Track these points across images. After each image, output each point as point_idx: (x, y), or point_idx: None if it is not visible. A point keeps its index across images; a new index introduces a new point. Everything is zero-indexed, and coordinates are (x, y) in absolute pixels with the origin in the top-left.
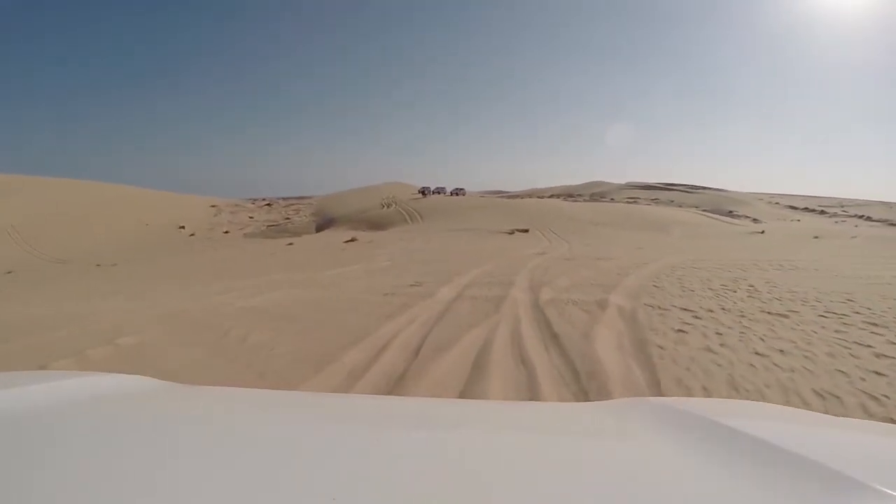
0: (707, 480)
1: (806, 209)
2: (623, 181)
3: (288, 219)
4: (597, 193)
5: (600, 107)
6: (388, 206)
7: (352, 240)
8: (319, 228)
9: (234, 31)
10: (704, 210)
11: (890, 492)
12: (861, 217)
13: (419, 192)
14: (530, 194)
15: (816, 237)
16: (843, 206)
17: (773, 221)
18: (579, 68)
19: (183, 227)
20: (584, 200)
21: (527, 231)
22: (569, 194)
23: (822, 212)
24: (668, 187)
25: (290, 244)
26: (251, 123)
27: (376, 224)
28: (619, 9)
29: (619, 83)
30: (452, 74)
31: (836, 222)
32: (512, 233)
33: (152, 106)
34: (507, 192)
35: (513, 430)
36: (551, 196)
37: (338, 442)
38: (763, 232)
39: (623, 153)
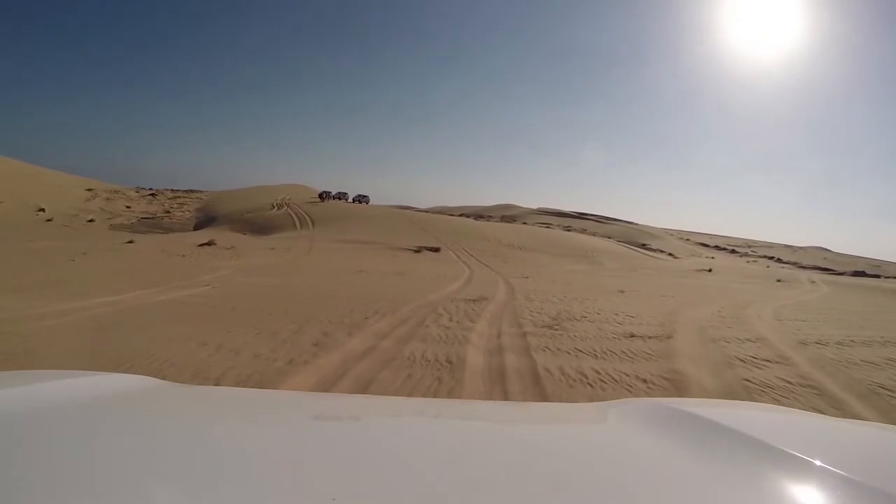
0: (706, 480)
1: (717, 247)
2: (535, 206)
3: (168, 212)
4: (508, 216)
5: (513, 132)
6: (278, 208)
7: (208, 243)
8: (198, 226)
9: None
10: (620, 241)
11: (889, 491)
12: (771, 258)
13: (319, 196)
14: (440, 211)
15: (779, 280)
16: (750, 247)
17: (687, 257)
18: (500, 93)
19: (42, 210)
20: (497, 222)
21: (438, 250)
22: (479, 215)
23: (733, 251)
24: (580, 216)
25: (130, 242)
26: (150, 108)
27: (260, 227)
28: (533, 40)
29: (537, 112)
30: (369, 87)
31: (748, 262)
32: (419, 251)
33: (41, 72)
34: (416, 208)
35: (513, 430)
36: (461, 215)
37: (338, 442)
38: (711, 270)
39: (536, 179)
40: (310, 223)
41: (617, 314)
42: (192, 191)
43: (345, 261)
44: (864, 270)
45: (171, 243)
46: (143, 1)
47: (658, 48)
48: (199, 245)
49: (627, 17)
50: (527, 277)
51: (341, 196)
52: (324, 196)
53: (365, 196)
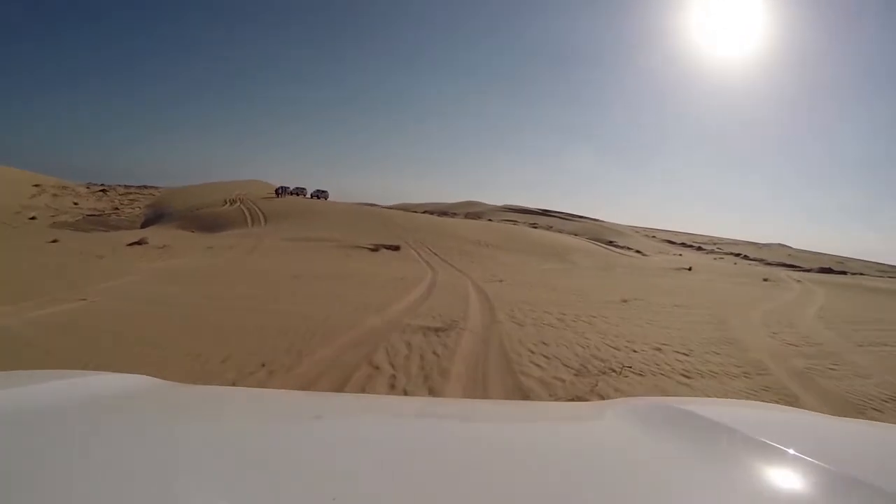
0: (706, 479)
1: (682, 244)
2: (500, 203)
3: (117, 209)
4: (473, 213)
5: (479, 129)
6: (231, 204)
7: (138, 242)
8: (146, 223)
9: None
10: (588, 238)
11: (889, 490)
12: (737, 255)
13: (275, 191)
14: (403, 209)
15: (766, 279)
16: (715, 244)
17: (656, 255)
18: (463, 90)
19: None
20: (461, 219)
21: (397, 248)
22: (444, 212)
23: (700, 248)
24: (545, 213)
25: (54, 241)
26: (107, 103)
27: (209, 224)
28: (498, 38)
29: (501, 110)
30: (334, 85)
31: (715, 259)
32: (376, 249)
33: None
34: (378, 205)
35: (512, 429)
36: (425, 212)
37: (338, 442)
38: (691, 269)
39: (500, 176)
40: (262, 220)
41: (660, 348)
42: (145, 186)
43: (287, 262)
44: (830, 267)
45: (97, 243)
46: None
47: (622, 48)
48: (129, 244)
49: (593, 16)
50: (501, 281)
51: (299, 192)
52: (280, 192)
53: (324, 191)
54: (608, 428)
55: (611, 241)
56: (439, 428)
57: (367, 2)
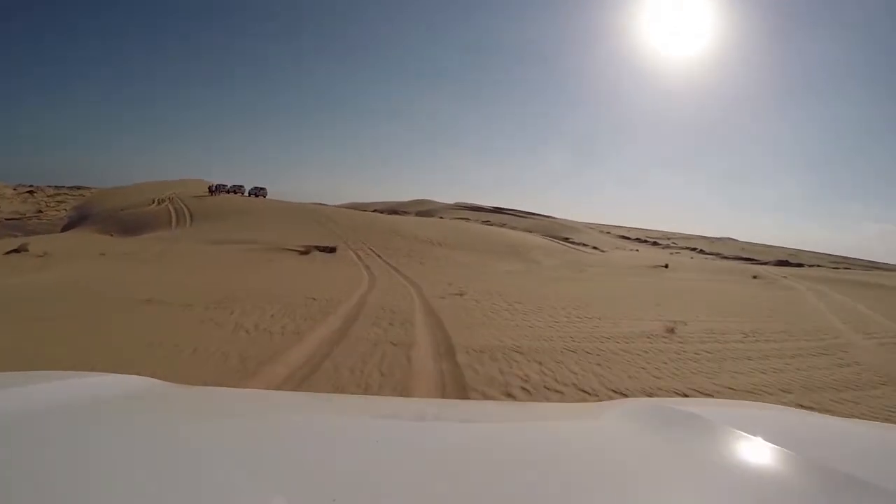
0: (706, 480)
1: (637, 240)
2: (451, 201)
3: (41, 212)
4: (424, 211)
5: (428, 126)
6: (159, 204)
7: (16, 250)
8: (67, 227)
9: None
10: (545, 235)
11: (889, 490)
12: (694, 249)
13: (208, 189)
14: (353, 208)
15: (755, 277)
16: (670, 239)
17: (612, 250)
18: (409, 86)
19: None
20: (412, 217)
21: (333, 250)
22: (394, 210)
23: (655, 243)
24: (498, 210)
25: None
26: (41, 98)
27: (131, 226)
28: (442, 34)
29: (453, 108)
30: (281, 82)
31: (672, 254)
32: (307, 252)
33: None
34: (326, 204)
35: (512, 430)
36: (374, 211)
37: (338, 442)
38: (667, 266)
39: (450, 174)
40: (188, 220)
41: None
42: (78, 187)
43: (181, 273)
44: (786, 259)
45: None
46: None
47: (564, 45)
48: (6, 253)
49: (536, 14)
50: (461, 294)
51: (236, 189)
52: (214, 189)
53: (262, 189)
54: (609, 429)
55: (566, 238)
56: (439, 429)
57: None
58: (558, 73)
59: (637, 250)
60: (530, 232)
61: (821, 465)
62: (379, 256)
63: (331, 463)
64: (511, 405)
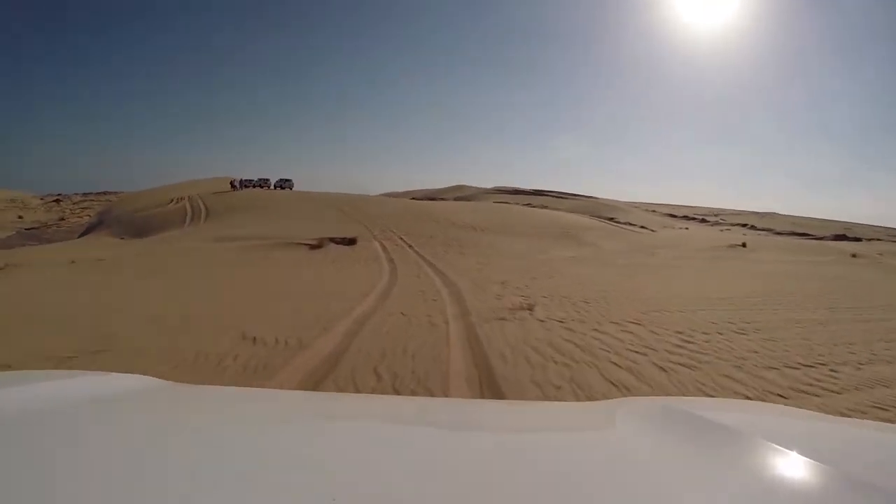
0: (706, 480)
1: (686, 217)
2: (489, 185)
3: (63, 219)
4: (462, 197)
5: (462, 112)
6: (177, 202)
7: None
8: (86, 232)
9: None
10: (592, 216)
11: (889, 490)
12: (744, 225)
13: (230, 184)
14: (387, 196)
15: (855, 256)
16: (716, 215)
17: (662, 230)
18: (441, 71)
19: None
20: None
21: (352, 242)
22: (431, 197)
23: (703, 220)
24: (538, 193)
25: None
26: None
27: (143, 227)
28: (478, 20)
29: (484, 90)
30: (312, 75)
31: (723, 230)
32: (318, 246)
33: None
34: (354, 195)
35: (510, 429)
36: (412, 199)
37: (337, 442)
38: (745, 245)
39: (486, 159)
40: (203, 217)
41: None
42: (105, 193)
43: (129, 281)
44: (843, 234)
45: None
46: None
47: (602, 20)
48: None
49: None
50: (528, 307)
51: (262, 183)
52: (236, 184)
53: (287, 181)
54: (608, 428)
55: (611, 218)
56: (439, 428)
57: None
58: (589, 51)
59: (687, 228)
60: (575, 213)
61: (821, 464)
62: (410, 247)
63: (331, 463)
64: (512, 404)
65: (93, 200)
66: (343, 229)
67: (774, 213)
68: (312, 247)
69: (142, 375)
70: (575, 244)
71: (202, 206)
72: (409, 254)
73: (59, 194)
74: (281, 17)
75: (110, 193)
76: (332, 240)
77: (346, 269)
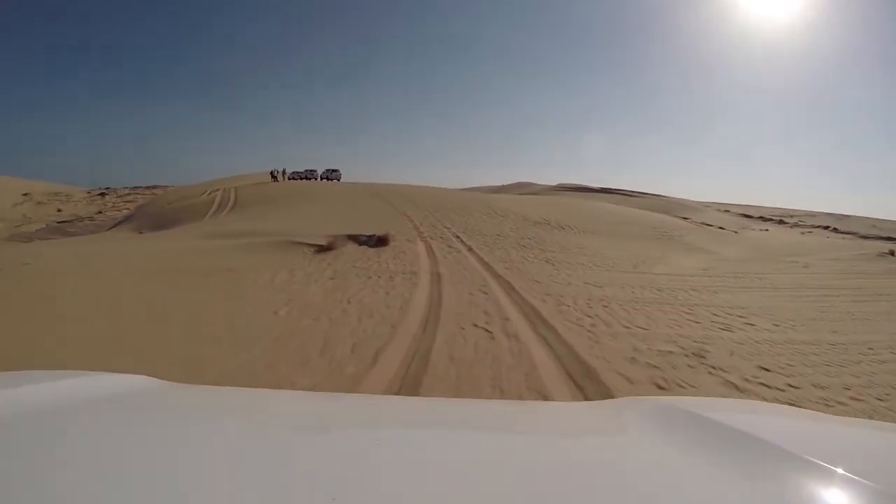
0: (706, 479)
1: (762, 218)
2: (553, 182)
3: (100, 212)
4: (525, 194)
5: (523, 108)
6: (209, 194)
7: None
8: (115, 226)
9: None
10: (668, 215)
11: (889, 490)
12: (826, 228)
13: (270, 175)
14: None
15: None
16: (792, 216)
17: (744, 231)
18: (505, 69)
19: None
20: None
21: (382, 242)
22: (493, 193)
23: (781, 221)
24: (605, 191)
25: None
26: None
27: (165, 220)
28: (540, 15)
29: (544, 87)
30: (383, 78)
31: (803, 233)
32: (329, 247)
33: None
34: (402, 185)
35: (512, 429)
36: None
37: (338, 442)
38: (893, 253)
39: (548, 156)
40: (227, 209)
41: None
42: (154, 186)
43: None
44: None
45: None
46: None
47: (664, 22)
48: None
49: None
50: None
51: (308, 175)
52: (277, 175)
53: (335, 171)
54: (610, 428)
55: (686, 217)
56: (440, 428)
57: None
58: (654, 53)
59: (767, 230)
60: (652, 211)
61: (823, 464)
62: (470, 250)
63: (331, 463)
64: (515, 404)
65: (139, 194)
66: (381, 224)
67: (847, 215)
68: (320, 248)
69: (142, 376)
70: (682, 248)
71: (232, 198)
72: (469, 262)
73: (106, 188)
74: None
75: (158, 188)
76: (354, 238)
77: (343, 294)
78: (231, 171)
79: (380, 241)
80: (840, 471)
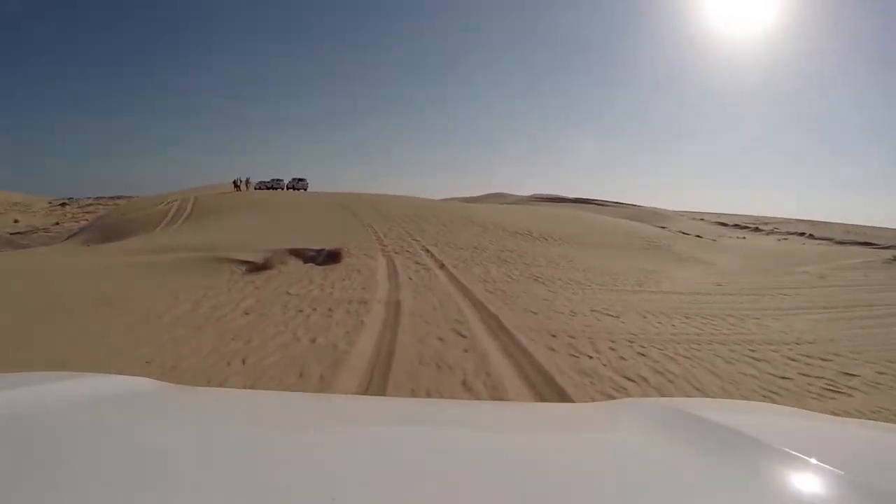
0: (705, 480)
1: (737, 226)
2: (528, 193)
3: (57, 224)
4: (501, 205)
5: (493, 118)
6: (166, 205)
7: None
8: (70, 237)
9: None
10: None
11: (890, 491)
12: (802, 234)
13: (233, 184)
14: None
15: None
16: (766, 224)
17: (721, 239)
18: (477, 76)
19: None
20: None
21: (334, 258)
22: (468, 204)
23: (757, 229)
24: (580, 201)
25: None
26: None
27: (115, 232)
28: (501, 28)
29: (515, 96)
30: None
31: (779, 240)
32: (265, 265)
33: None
34: (369, 195)
35: (512, 430)
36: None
37: (337, 442)
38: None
39: (521, 166)
40: (181, 220)
41: None
42: (118, 197)
43: None
44: None
45: None
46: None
47: (639, 32)
48: None
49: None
50: None
51: (275, 184)
52: (241, 184)
53: (301, 180)
54: (609, 429)
55: (663, 226)
56: (440, 429)
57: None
58: (623, 61)
59: (745, 238)
60: (629, 221)
61: (822, 465)
62: (441, 266)
63: (331, 463)
64: (514, 406)
65: (101, 204)
66: (340, 236)
67: (821, 221)
68: (254, 267)
69: (142, 378)
70: (674, 259)
71: (188, 208)
72: (439, 283)
73: (69, 198)
74: (313, 21)
75: (122, 198)
76: (300, 253)
77: (245, 343)
78: (202, 181)
79: (330, 257)
80: (839, 471)
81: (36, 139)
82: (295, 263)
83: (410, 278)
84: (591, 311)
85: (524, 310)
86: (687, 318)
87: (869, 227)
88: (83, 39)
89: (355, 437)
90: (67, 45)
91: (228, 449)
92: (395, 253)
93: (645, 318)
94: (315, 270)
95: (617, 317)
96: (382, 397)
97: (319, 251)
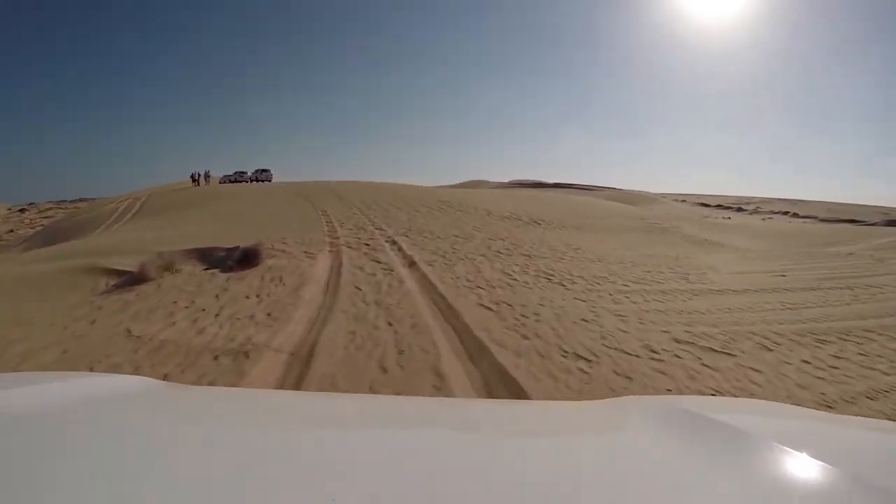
0: (707, 478)
1: (719, 206)
2: (507, 179)
3: (12, 231)
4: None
5: (471, 106)
6: (119, 204)
7: None
8: (21, 243)
9: None
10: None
11: (889, 488)
12: (786, 213)
13: (191, 178)
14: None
15: None
16: (748, 203)
17: (706, 220)
18: (457, 65)
19: None
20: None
21: (249, 261)
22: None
23: (740, 209)
24: (559, 186)
25: None
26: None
27: (59, 235)
28: (484, 15)
29: (494, 85)
30: (323, 76)
31: (763, 219)
32: (141, 277)
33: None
34: (334, 181)
35: (511, 429)
36: None
37: (337, 442)
38: None
39: (497, 155)
40: (127, 218)
41: None
42: (80, 200)
43: None
44: (895, 220)
45: None
46: None
47: (607, 18)
48: None
49: None
50: None
51: (238, 177)
52: (198, 179)
53: (265, 171)
54: (608, 428)
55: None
56: (439, 427)
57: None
58: (599, 47)
59: (729, 218)
60: (616, 203)
61: (821, 462)
62: (411, 264)
63: (331, 463)
64: (515, 404)
65: (62, 208)
66: (277, 228)
67: (802, 200)
68: (127, 280)
69: (141, 377)
70: (691, 243)
71: (137, 207)
72: (403, 297)
73: (29, 203)
74: (298, 18)
75: (85, 200)
76: (205, 255)
77: None
78: (167, 178)
79: (245, 259)
80: (841, 470)
81: None
82: (191, 270)
83: (359, 289)
84: (675, 341)
85: (566, 352)
86: (822, 343)
87: (846, 204)
88: (49, 39)
89: (355, 437)
90: (34, 45)
91: (228, 448)
92: (349, 247)
93: (771, 350)
94: (215, 280)
95: (729, 353)
96: (383, 396)
97: (232, 250)
